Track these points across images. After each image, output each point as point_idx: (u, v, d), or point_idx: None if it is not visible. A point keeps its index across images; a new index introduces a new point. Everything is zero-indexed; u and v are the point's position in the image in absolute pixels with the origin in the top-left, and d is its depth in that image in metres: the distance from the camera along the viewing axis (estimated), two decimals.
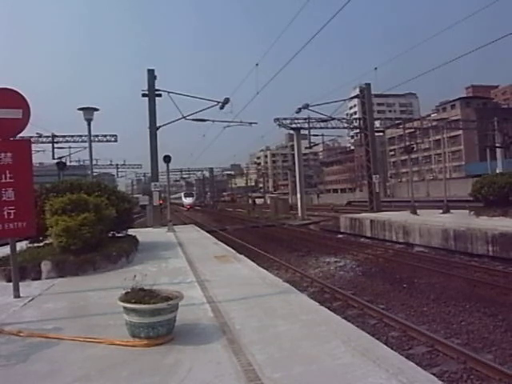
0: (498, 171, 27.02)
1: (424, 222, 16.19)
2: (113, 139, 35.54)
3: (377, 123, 40.97)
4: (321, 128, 33.37)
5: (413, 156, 37.07)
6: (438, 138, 66.02)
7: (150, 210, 24.96)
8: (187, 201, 79.68)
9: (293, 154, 45.87)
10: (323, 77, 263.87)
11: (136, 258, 10.31)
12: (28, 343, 4.50)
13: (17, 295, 6.51)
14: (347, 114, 59.29)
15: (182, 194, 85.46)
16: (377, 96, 53.65)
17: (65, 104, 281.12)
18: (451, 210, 20.14)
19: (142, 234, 15.04)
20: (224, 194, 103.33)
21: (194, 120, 26.62)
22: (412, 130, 48.53)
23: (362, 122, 32.14)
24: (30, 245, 10.03)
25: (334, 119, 32.09)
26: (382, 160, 66.97)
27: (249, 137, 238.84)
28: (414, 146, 40.48)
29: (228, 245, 13.92)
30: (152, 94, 23.92)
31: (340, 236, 21.54)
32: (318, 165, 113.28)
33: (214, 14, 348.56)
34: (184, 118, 25.51)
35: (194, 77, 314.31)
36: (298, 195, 31.98)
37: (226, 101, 25.12)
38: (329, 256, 15.05)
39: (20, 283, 6.70)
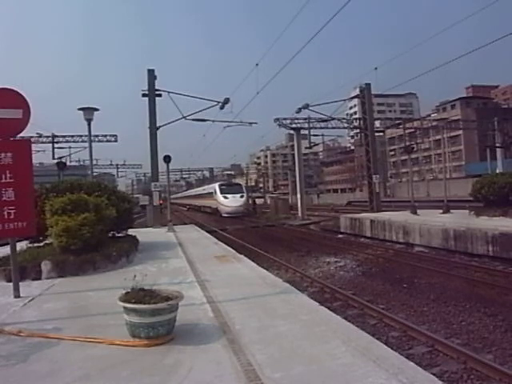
0: (498, 171, 27.01)
1: (424, 221, 16.19)
2: (113, 139, 35.54)
3: (377, 123, 40.99)
4: (321, 128, 33.38)
5: (413, 156, 37.07)
6: (438, 138, 66.05)
7: (150, 210, 24.97)
8: (230, 202, 38.47)
9: (293, 154, 45.85)
10: (323, 77, 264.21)
11: (136, 258, 10.31)
12: (28, 343, 4.50)
13: (17, 295, 6.52)
14: (347, 114, 59.26)
15: (217, 187, 41.17)
16: (377, 96, 53.71)
17: (65, 104, 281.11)
18: (451, 210, 20.13)
19: (142, 233, 15.04)
20: None
21: (194, 120, 26.64)
22: (412, 130, 48.59)
23: (362, 121, 32.12)
24: (30, 245, 10.03)
25: (334, 119, 32.09)
26: (382, 160, 66.95)
27: (249, 137, 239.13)
28: (414, 145, 40.56)
29: (228, 245, 13.92)
30: (152, 94, 23.92)
31: (340, 236, 21.52)
32: (318, 165, 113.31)
33: (215, 13, 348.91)
34: (184, 117, 25.52)
35: (194, 77, 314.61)
36: (298, 195, 31.95)
37: (226, 101, 25.14)
38: (329, 256, 15.04)
39: (20, 283, 6.70)
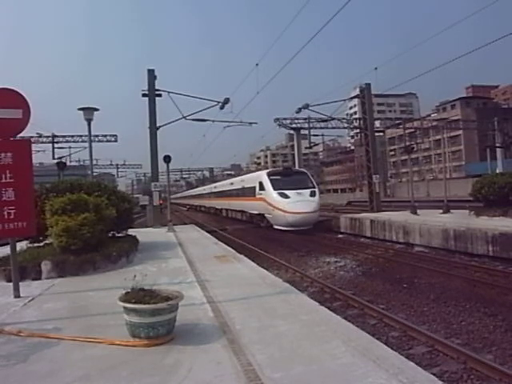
0: (498, 171, 27.03)
1: (424, 221, 16.18)
2: (113, 139, 35.62)
3: (377, 123, 41.03)
4: (321, 128, 33.46)
5: (413, 156, 37.06)
6: (438, 138, 66.08)
7: (150, 210, 24.98)
8: (295, 206, 21.17)
9: (293, 154, 45.87)
10: (323, 77, 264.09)
11: (136, 258, 10.31)
12: (28, 343, 4.50)
13: (17, 295, 6.52)
14: (347, 114, 59.29)
15: (265, 178, 24.00)
16: (377, 96, 53.70)
17: (65, 104, 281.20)
18: (451, 210, 20.12)
19: (142, 234, 15.04)
20: None
21: (194, 120, 26.63)
22: (412, 130, 48.61)
23: (361, 121, 32.10)
24: (30, 245, 10.04)
25: (334, 119, 32.11)
26: (382, 160, 66.71)
27: (249, 137, 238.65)
28: (414, 145, 40.53)
29: (228, 245, 13.93)
30: (152, 94, 23.91)
31: (340, 236, 21.50)
32: (318, 165, 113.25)
33: (215, 14, 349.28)
34: (184, 117, 25.51)
35: (194, 77, 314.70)
36: None
37: (226, 101, 25.13)
38: (329, 256, 15.02)
39: (20, 283, 6.71)
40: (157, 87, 24.07)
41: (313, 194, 22.64)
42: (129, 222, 13.09)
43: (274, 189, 22.67)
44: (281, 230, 22.11)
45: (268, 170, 26.39)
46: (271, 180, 23.56)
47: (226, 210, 36.22)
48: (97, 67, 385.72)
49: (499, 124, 41.99)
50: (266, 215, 23.94)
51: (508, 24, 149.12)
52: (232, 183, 34.75)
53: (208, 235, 17.49)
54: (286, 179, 23.60)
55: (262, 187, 24.16)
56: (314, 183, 24.34)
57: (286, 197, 21.89)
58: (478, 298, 8.64)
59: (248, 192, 27.01)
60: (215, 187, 43.74)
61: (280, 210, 21.80)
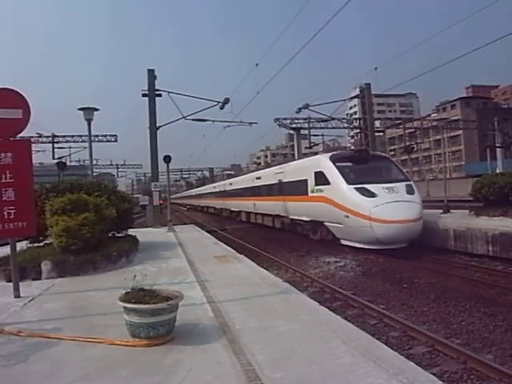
0: (498, 171, 27.01)
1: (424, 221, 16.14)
2: (113, 139, 35.62)
3: (377, 123, 41.04)
4: (321, 128, 33.49)
5: (413, 156, 37.07)
6: (438, 137, 66.11)
7: (150, 210, 24.97)
8: (388, 211, 13.04)
9: (293, 154, 45.88)
10: (323, 77, 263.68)
11: (136, 258, 10.31)
12: (28, 343, 4.50)
13: (17, 295, 6.53)
14: (347, 114, 59.12)
15: (329, 165, 15.33)
16: (377, 96, 53.61)
17: (65, 104, 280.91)
18: (451, 210, 20.08)
19: (142, 234, 15.04)
20: None
21: (194, 120, 26.63)
22: (412, 130, 48.59)
23: (362, 121, 32.15)
24: (30, 245, 10.04)
25: (334, 119, 32.14)
26: None
27: (249, 137, 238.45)
28: (414, 145, 40.56)
29: (228, 245, 13.93)
30: (152, 93, 23.92)
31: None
32: None
33: (216, 14, 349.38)
34: (184, 118, 25.51)
35: (194, 77, 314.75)
36: None
37: (226, 101, 25.13)
38: (329, 256, 15.00)
39: (20, 283, 6.71)
40: (157, 87, 24.09)
41: (411, 191, 14.64)
42: (129, 222, 13.09)
43: (348, 182, 14.58)
44: (354, 247, 14.70)
45: (331, 154, 16.83)
46: (340, 168, 15.20)
47: (248, 213, 27.97)
48: (97, 67, 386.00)
49: (499, 124, 42.02)
50: (326, 223, 16.05)
51: (508, 24, 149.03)
52: (259, 177, 25.65)
53: (208, 235, 17.50)
54: (363, 167, 15.60)
55: (322, 180, 15.85)
56: (406, 173, 16.88)
57: (371, 195, 13.92)
58: (478, 298, 8.63)
59: (292, 188, 18.88)
60: (231, 184, 35.14)
61: (361, 216, 13.72)
